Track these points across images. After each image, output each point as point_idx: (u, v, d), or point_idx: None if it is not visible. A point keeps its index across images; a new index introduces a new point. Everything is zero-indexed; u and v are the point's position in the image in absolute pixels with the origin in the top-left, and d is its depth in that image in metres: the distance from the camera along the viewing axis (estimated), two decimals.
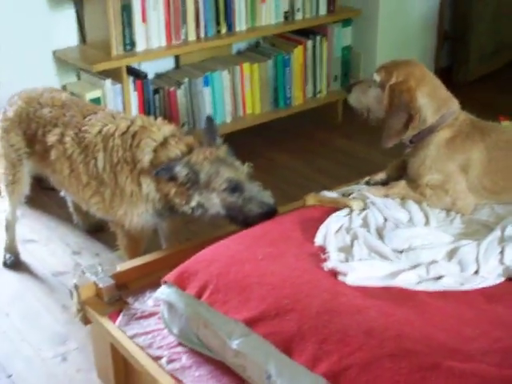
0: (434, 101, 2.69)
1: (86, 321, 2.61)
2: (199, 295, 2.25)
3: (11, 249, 3.46)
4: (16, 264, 3.44)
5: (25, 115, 3.14)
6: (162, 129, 2.84)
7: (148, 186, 2.79)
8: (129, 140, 2.82)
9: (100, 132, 2.90)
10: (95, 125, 2.93)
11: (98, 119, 2.95)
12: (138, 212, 2.86)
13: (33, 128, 3.11)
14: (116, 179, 2.84)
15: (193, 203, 2.71)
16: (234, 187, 2.69)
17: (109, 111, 3.07)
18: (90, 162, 2.90)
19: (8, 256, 3.45)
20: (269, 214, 2.70)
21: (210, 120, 2.85)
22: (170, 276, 2.36)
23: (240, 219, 2.73)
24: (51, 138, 3.01)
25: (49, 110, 3.07)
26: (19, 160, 3.22)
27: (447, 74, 4.91)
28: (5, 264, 3.44)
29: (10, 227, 3.44)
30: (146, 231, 2.99)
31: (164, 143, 2.77)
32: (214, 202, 2.70)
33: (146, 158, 2.77)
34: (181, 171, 2.66)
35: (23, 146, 3.18)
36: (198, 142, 2.78)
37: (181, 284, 2.31)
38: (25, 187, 3.32)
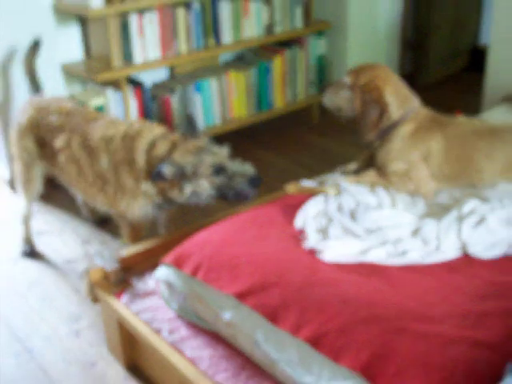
0: (397, 98, 2.69)
1: (95, 300, 2.62)
2: (194, 274, 2.25)
3: (28, 240, 3.46)
4: (33, 253, 3.43)
5: (35, 122, 3.15)
6: (153, 131, 2.86)
7: (146, 184, 2.81)
8: (127, 143, 2.84)
9: (103, 137, 2.91)
10: (98, 130, 2.94)
11: (99, 125, 2.96)
12: (138, 205, 2.88)
13: (42, 133, 3.11)
14: (118, 177, 2.86)
15: (186, 192, 2.72)
16: (218, 170, 2.70)
17: (108, 118, 3.08)
18: (95, 163, 2.92)
19: (26, 247, 3.45)
20: (253, 180, 2.71)
21: (190, 118, 2.87)
22: (168, 257, 2.37)
23: (231, 194, 2.73)
24: (59, 143, 3.02)
25: (56, 118, 3.08)
26: (32, 161, 3.23)
27: (410, 80, 4.91)
28: (23, 254, 3.44)
29: (26, 221, 3.43)
30: (145, 221, 3.01)
31: (153, 144, 2.80)
32: (205, 186, 2.71)
33: (141, 159, 2.79)
34: (168, 170, 2.68)
35: (35, 149, 3.19)
36: (183, 138, 2.80)
37: (178, 264, 2.31)
38: (38, 185, 3.32)
